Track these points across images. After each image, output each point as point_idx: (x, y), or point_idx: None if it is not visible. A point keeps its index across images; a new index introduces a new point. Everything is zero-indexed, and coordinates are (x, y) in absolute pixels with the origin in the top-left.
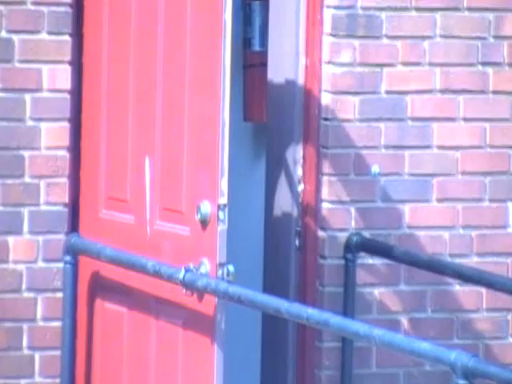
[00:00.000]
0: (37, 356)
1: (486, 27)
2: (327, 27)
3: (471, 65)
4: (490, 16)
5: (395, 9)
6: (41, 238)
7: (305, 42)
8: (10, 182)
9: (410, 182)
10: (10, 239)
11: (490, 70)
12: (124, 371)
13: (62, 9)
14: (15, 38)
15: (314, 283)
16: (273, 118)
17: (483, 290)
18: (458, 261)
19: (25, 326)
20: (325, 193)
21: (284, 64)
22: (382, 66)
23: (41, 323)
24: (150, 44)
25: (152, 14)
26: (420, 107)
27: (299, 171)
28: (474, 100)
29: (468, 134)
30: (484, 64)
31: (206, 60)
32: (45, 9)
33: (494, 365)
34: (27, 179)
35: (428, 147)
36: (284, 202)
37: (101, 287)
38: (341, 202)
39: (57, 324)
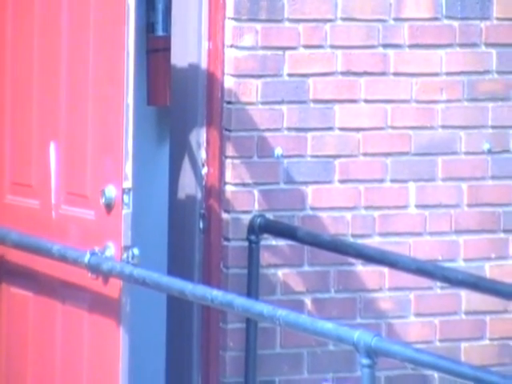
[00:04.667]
0: None
1: (387, 9)
2: (229, 11)
3: (372, 47)
4: None
5: None
6: None
7: (207, 26)
8: None
9: (312, 163)
10: None
11: (390, 51)
12: (29, 354)
13: None
14: None
15: (219, 265)
16: (176, 101)
17: (385, 270)
18: (360, 241)
19: None
20: (228, 175)
21: (187, 48)
22: (284, 49)
23: None
24: (53, 31)
25: (55, 10)
26: (322, 89)
27: (203, 154)
28: (375, 82)
29: (369, 116)
30: (385, 46)
31: (110, 45)
32: None
33: (396, 343)
34: None
35: (330, 129)
36: (188, 185)
37: (6, 272)
38: (244, 185)
39: None
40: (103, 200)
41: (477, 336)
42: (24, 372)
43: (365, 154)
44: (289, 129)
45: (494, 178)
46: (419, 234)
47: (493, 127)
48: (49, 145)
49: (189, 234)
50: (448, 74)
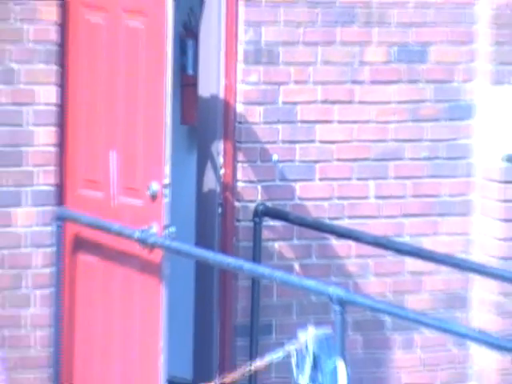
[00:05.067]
0: (37, 292)
1: (354, 56)
2: (240, 57)
3: (343, 82)
4: (356, 48)
5: (288, 43)
6: (39, 209)
7: (224, 68)
8: (14, 169)
9: (299, 166)
10: (16, 210)
11: (356, 86)
12: (96, 302)
13: (52, 47)
14: (20, 67)
15: (232, 239)
16: (201, 121)
17: (352, 243)
18: (334, 222)
19: (28, 272)
20: (239, 175)
21: (210, 83)
22: (279, 84)
23: (38, 270)
24: (114, 70)
25: (116, 48)
26: (307, 113)
27: (221, 160)
28: (345, 108)
29: (341, 132)
30: (352, 82)
31: (154, 80)
32: (40, 47)
33: (360, 296)
34: (28, 168)
35: (312, 141)
36: (210, 182)
37: (80, 244)
38: (250, 182)
39: (49, 270)
40: (149, 192)
41: (417, 290)
42: (92, 316)
43: (338, 160)
44: (283, 141)
45: (430, 177)
46: (376, 217)
47: (429, 141)
48: (110, 152)
49: (210, 217)
50: (398, 102)
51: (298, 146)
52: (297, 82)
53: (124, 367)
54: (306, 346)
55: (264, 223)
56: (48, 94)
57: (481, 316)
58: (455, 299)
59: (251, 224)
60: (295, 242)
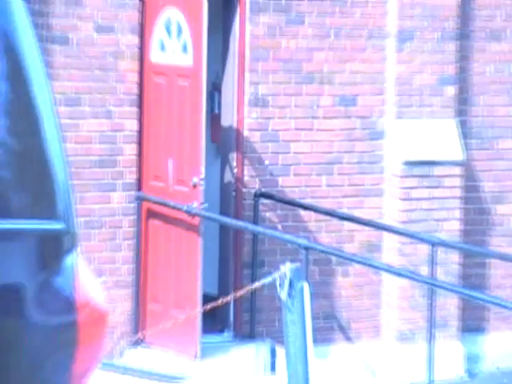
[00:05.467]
0: (125, 242)
1: (313, 102)
2: (246, 102)
3: (307, 118)
4: (315, 97)
5: (274, 95)
6: (126, 193)
7: (237, 109)
8: (112, 169)
9: (281, 167)
10: (113, 193)
11: (315, 120)
12: (160, 246)
13: (134, 97)
14: (115, 109)
15: (241, 211)
16: (223, 140)
17: (313, 213)
18: (302, 201)
19: (120, 230)
20: (245, 172)
21: (228, 118)
22: (269, 119)
23: (126, 229)
24: (171, 110)
25: (171, 97)
26: (285, 136)
27: (234, 163)
28: (309, 133)
29: (306, 148)
30: (312, 117)
31: (195, 116)
32: (127, 97)
33: (317, 243)
34: (120, 168)
35: (288, 153)
36: (228, 177)
37: (150, 214)
38: (252, 176)
39: (132, 229)
40: (192, 183)
41: (351, 241)
42: (158, 255)
43: (304, 164)
44: (271, 153)
45: (358, 173)
46: (327, 198)
47: (358, 152)
48: (168, 159)
49: (227, 198)
50: (339, 129)
51: (280, 155)
52: (279, 118)
53: (177, 286)
54: (285, 274)
55: (260, 201)
56: (131, 125)
57: (389, 256)
58: (373, 246)
59: (252, 202)
60: (278, 212)
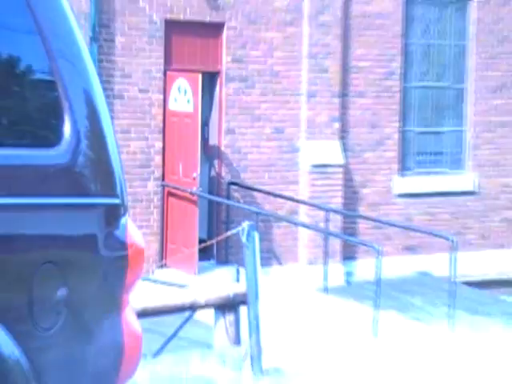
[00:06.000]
0: (154, 210)
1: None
2: (223, 133)
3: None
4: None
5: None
6: (155, 183)
7: (217, 136)
8: (147, 169)
9: (243, 168)
10: (147, 182)
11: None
12: (174, 212)
13: (158, 128)
14: (148, 140)
15: (220, 193)
16: (211, 153)
17: (260, 195)
18: (256, 186)
19: (151, 203)
20: (223, 171)
21: (213, 140)
22: (238, 144)
23: (154, 203)
24: (181, 138)
25: (181, 128)
26: (247, 154)
27: (216, 166)
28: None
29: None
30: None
31: (193, 140)
32: (156, 129)
33: (266, 211)
34: (152, 168)
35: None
36: (213, 173)
37: (169, 194)
38: (226, 173)
39: (159, 203)
40: (192, 176)
41: (279, 209)
42: (172, 218)
43: (255, 166)
44: (237, 159)
45: (286, 171)
46: (274, 185)
47: (285, 160)
48: (179, 162)
49: (212, 185)
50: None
51: (242, 161)
52: (241, 140)
53: (184, 234)
54: (245, 227)
55: (231, 187)
56: (158, 144)
57: (302, 217)
58: (293, 212)
59: (226, 187)
60: (241, 193)
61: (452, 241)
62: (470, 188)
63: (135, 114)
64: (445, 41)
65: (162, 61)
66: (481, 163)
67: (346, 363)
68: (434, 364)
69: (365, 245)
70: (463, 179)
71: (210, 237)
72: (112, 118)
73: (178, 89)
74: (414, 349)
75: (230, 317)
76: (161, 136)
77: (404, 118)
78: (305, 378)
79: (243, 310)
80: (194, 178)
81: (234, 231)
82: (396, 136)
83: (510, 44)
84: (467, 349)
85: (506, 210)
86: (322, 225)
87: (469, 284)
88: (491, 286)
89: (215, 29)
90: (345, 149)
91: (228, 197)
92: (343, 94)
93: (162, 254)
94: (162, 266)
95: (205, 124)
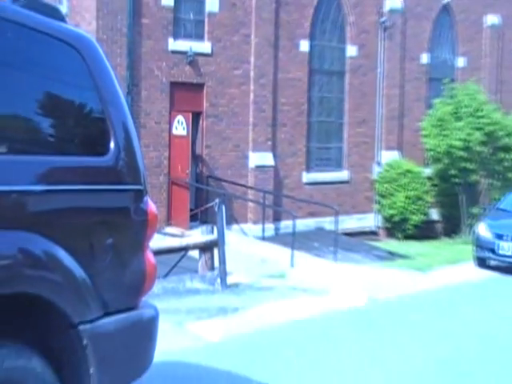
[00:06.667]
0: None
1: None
2: (204, 147)
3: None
4: None
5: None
6: (164, 177)
7: (201, 149)
8: (158, 169)
9: (218, 167)
10: (159, 178)
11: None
12: (176, 197)
13: (166, 145)
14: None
15: (203, 182)
16: (197, 158)
17: (229, 185)
18: (225, 178)
19: (164, 186)
20: (204, 170)
21: (198, 151)
22: (217, 151)
23: (169, 186)
24: (181, 152)
25: (180, 148)
26: (219, 158)
27: (200, 165)
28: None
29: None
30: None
31: (186, 152)
32: (164, 145)
33: (233, 194)
34: (162, 169)
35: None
36: (198, 170)
37: (173, 183)
38: (206, 170)
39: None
40: (186, 172)
41: (244, 196)
42: (175, 199)
43: (222, 166)
44: (212, 162)
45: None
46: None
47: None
48: (178, 165)
49: (198, 178)
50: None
51: (215, 163)
52: (215, 151)
53: (180, 207)
54: (216, 202)
55: (209, 179)
56: (166, 155)
57: (249, 197)
58: (243, 194)
59: (206, 179)
60: (215, 182)
61: (335, 209)
62: (346, 179)
63: (152, 136)
64: (332, 94)
65: (168, 105)
66: (351, 164)
67: (275, 278)
68: (326, 278)
69: (286, 211)
70: (342, 174)
71: (196, 207)
72: (139, 138)
73: (178, 122)
74: (315, 271)
75: (208, 254)
76: (167, 149)
77: (308, 139)
78: (252, 288)
79: (215, 250)
80: (187, 174)
81: (210, 204)
82: (304, 149)
83: (371, 97)
84: (345, 269)
85: (366, 192)
86: (261, 200)
87: (345, 234)
88: (356, 235)
89: (199, 86)
90: (274, 156)
91: (207, 184)
92: (273, 125)
93: (168, 217)
94: (168, 225)
95: (193, 142)
